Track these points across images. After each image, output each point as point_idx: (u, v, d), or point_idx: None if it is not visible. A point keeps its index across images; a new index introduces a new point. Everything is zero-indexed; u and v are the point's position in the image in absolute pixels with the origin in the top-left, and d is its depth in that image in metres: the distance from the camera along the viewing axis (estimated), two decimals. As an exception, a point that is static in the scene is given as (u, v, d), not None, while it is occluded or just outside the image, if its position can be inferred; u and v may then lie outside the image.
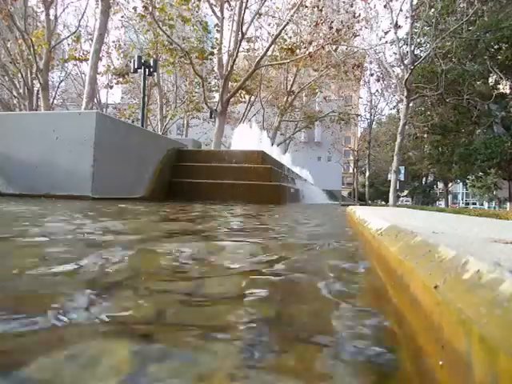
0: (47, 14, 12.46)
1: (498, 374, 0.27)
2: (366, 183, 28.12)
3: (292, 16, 11.50)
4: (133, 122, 16.98)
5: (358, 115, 26.32)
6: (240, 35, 10.91)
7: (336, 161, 32.31)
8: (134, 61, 10.78)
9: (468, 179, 27.70)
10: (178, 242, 1.33)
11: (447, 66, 14.95)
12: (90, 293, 0.62)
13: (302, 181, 9.92)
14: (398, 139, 14.92)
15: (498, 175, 21.53)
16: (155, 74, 13.80)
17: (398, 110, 23.35)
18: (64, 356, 0.39)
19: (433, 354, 0.39)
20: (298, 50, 12.54)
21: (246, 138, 9.63)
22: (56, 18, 13.94)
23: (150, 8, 10.24)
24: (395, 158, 15.07)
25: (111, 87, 19.20)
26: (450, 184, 35.26)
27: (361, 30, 14.43)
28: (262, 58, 11.35)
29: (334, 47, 14.17)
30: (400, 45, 15.36)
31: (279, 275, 0.82)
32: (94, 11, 17.29)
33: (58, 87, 20.29)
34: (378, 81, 20.78)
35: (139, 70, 10.89)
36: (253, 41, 14.72)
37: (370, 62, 19.74)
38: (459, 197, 62.16)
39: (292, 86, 18.78)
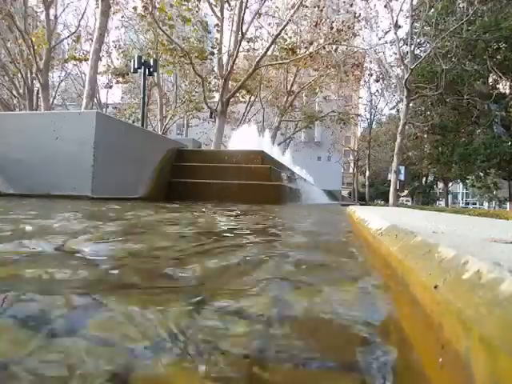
0: (47, 14, 12.45)
1: (498, 374, 0.27)
2: (366, 183, 28.12)
3: (292, 16, 11.48)
4: (133, 122, 16.96)
5: (357, 115, 26.31)
6: (240, 35, 10.89)
7: (336, 161, 32.24)
8: (134, 61, 10.74)
9: (468, 179, 27.68)
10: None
11: (447, 66, 14.93)
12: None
13: (301, 181, 9.91)
14: (398, 139, 14.90)
15: (498, 175, 21.51)
16: (155, 73, 13.78)
17: (397, 110, 23.36)
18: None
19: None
20: (298, 50, 12.53)
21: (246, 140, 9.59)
22: (56, 17, 13.94)
23: (150, 8, 10.22)
24: (395, 157, 15.05)
25: (111, 87, 19.21)
26: (449, 184, 35.23)
27: (361, 29, 14.45)
28: (262, 57, 11.33)
29: (334, 47, 14.16)
30: (400, 45, 15.35)
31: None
32: (93, 11, 17.28)
33: (58, 87, 20.28)
34: (378, 81, 20.77)
35: (139, 70, 10.85)
36: (253, 41, 14.70)
37: (370, 62, 19.73)
38: (459, 197, 62.06)
39: (292, 85, 18.76)
